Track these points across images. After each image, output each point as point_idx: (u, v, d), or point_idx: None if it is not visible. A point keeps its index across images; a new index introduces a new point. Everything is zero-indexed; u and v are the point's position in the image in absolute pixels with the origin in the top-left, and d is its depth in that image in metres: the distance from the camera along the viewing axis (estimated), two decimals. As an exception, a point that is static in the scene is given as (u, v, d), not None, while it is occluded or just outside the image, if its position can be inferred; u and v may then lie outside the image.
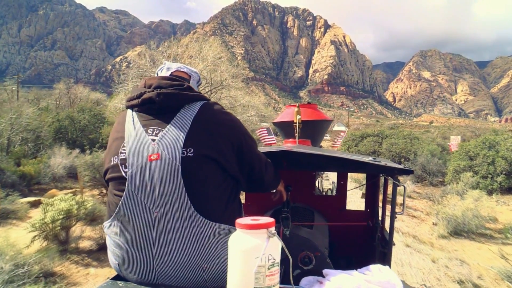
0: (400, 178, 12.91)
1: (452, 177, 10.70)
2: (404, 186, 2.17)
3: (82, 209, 5.01)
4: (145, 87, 1.44)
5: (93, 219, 7.13)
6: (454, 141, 24.20)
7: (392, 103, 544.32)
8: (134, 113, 1.43)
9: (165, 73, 1.59)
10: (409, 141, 15.77)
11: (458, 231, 5.54)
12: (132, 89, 1.55)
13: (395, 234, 5.75)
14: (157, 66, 25.29)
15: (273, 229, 0.96)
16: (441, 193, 7.79)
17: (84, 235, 5.85)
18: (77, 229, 5.80)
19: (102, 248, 5.11)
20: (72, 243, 5.21)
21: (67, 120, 19.19)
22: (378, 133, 17.86)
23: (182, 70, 1.62)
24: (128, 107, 1.47)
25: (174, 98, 1.38)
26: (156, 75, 1.61)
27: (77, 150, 14.18)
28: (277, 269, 0.96)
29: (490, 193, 9.40)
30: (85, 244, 5.37)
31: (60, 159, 12.50)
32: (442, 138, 28.99)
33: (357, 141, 17.93)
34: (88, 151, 12.80)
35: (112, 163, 1.38)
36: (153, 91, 1.39)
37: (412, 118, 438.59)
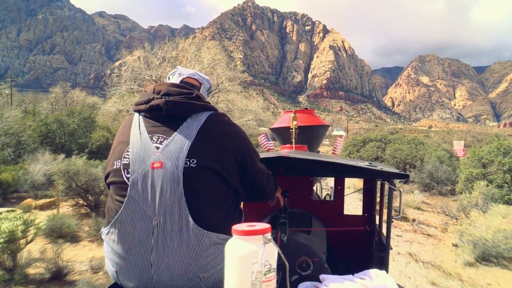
0: (406, 186, 12.05)
1: (464, 186, 9.82)
2: (400, 190, 2.11)
3: (33, 230, 4.12)
4: (154, 93, 1.43)
5: (60, 235, 6.24)
6: (458, 146, 23.42)
7: (391, 108, 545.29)
8: (141, 118, 1.42)
9: (176, 79, 1.58)
10: (414, 146, 14.87)
11: (486, 255, 4.65)
12: (141, 94, 1.51)
13: (415, 265, 4.94)
14: (152, 68, 24.60)
15: (269, 235, 0.95)
16: (459, 207, 6.90)
17: (43, 257, 4.93)
18: (33, 249, 4.90)
19: (55, 277, 4.21)
20: (23, 268, 4.31)
21: (55, 124, 18.29)
22: (381, 138, 16.94)
23: (193, 77, 1.60)
24: (135, 111, 1.47)
25: (182, 106, 1.37)
26: (167, 79, 1.62)
27: (62, 156, 13.31)
28: (273, 275, 0.95)
29: (506, 204, 8.53)
30: (38, 270, 4.46)
31: (39, 165, 11.61)
32: (446, 143, 28.21)
33: (358, 146, 16.99)
34: (74, 156, 11.99)
35: (114, 167, 1.37)
36: (161, 98, 1.38)
37: (410, 123, 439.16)
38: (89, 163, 8.50)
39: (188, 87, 1.46)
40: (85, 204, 8.25)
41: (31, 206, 9.64)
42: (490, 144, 10.42)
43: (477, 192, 9.13)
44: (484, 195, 7.11)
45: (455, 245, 5.41)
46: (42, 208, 9.77)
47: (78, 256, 5.37)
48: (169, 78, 1.61)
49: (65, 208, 8.98)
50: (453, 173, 11.62)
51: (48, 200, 10.11)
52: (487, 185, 9.20)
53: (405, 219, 7.29)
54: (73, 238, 6.18)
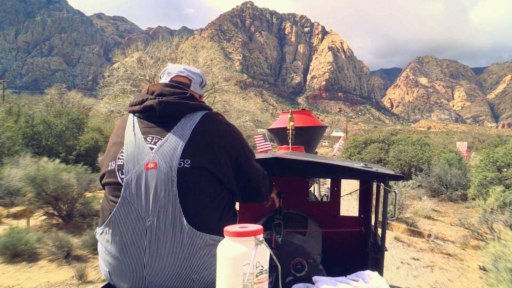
0: (413, 192, 11.14)
1: (477, 191, 8.99)
2: (395, 192, 2.08)
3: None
4: (147, 93, 1.43)
5: (15, 254, 5.35)
6: (461, 147, 22.66)
7: (390, 109, 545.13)
8: (135, 119, 1.42)
9: (166, 78, 1.55)
10: (419, 148, 13.99)
11: (527, 284, 3.83)
12: (135, 94, 1.51)
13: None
14: (145, 67, 23.79)
15: (260, 237, 0.94)
16: (480, 219, 6.04)
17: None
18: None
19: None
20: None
21: (42, 125, 17.40)
22: (384, 139, 16.04)
23: (181, 74, 1.55)
24: (130, 112, 1.46)
25: (175, 107, 1.36)
26: (159, 78, 1.61)
27: (45, 159, 12.45)
28: (265, 276, 0.95)
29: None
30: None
31: (16, 169, 10.73)
32: (450, 144, 27.42)
33: (360, 148, 16.10)
34: (57, 160, 11.13)
35: (109, 168, 1.36)
36: (155, 98, 1.38)
37: (409, 124, 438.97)
38: (61, 167, 7.61)
39: (182, 86, 1.43)
40: (56, 213, 7.36)
41: (2, 214, 8.84)
42: (506, 146, 9.57)
43: (493, 198, 8.30)
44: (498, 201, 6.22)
45: (483, 268, 4.55)
46: (15, 216, 8.97)
47: (30, 281, 4.49)
48: (160, 78, 1.58)
49: (38, 218, 8.11)
50: (463, 177, 10.75)
51: (22, 208, 9.27)
52: (504, 191, 8.37)
53: (419, 234, 6.43)
54: (31, 257, 5.30)
